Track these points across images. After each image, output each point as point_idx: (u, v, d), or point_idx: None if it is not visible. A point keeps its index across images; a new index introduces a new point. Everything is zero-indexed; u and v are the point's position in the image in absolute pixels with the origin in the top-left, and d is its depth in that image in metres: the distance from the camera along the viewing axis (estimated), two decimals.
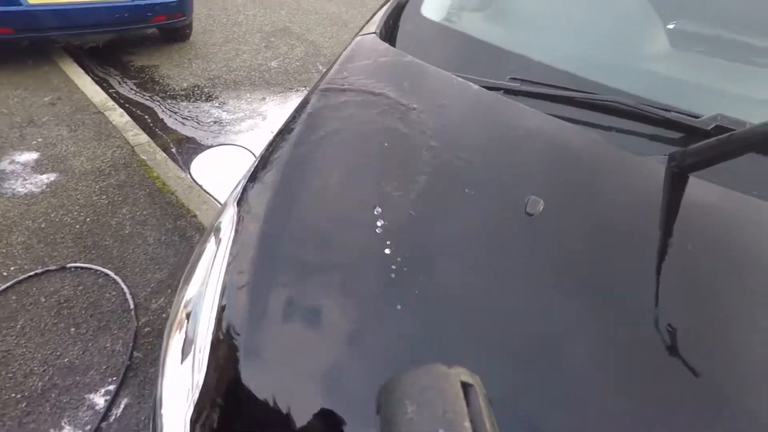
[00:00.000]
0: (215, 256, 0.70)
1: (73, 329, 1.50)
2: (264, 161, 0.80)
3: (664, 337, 0.50)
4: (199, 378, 0.56)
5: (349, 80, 0.86)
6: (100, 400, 1.32)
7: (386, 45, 0.91)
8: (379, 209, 0.66)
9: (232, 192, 0.82)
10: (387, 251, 0.60)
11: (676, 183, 0.59)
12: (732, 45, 0.86)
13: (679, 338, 0.50)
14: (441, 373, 0.27)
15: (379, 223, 0.64)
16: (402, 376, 0.27)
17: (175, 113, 2.94)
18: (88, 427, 1.25)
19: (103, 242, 1.82)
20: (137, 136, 2.48)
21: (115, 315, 1.56)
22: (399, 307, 0.55)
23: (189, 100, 3.09)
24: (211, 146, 2.65)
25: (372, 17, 1.05)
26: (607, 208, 0.61)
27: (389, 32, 0.95)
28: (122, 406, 1.31)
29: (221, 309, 0.61)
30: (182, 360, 0.63)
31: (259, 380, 0.53)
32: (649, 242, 0.57)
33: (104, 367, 1.40)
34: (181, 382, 0.59)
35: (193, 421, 0.53)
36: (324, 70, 0.96)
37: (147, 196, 2.08)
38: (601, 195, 0.62)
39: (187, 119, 2.88)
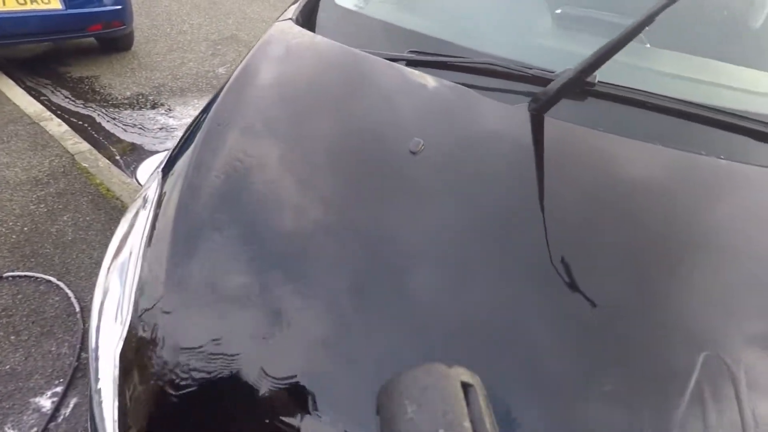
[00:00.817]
0: (141, 220, 0.75)
1: (13, 337, 1.44)
2: (189, 132, 0.87)
3: (548, 256, 0.60)
4: (127, 318, 0.62)
5: (267, 59, 0.94)
6: (46, 403, 1.28)
7: (300, 28, 0.99)
8: (293, 170, 0.74)
9: (161, 163, 0.87)
10: (297, 211, 0.69)
11: (535, 122, 0.73)
12: (603, 24, 1.02)
13: (559, 257, 0.60)
14: (441, 373, 0.27)
15: (288, 186, 0.72)
16: (402, 376, 0.27)
17: (119, 121, 2.87)
18: (35, 429, 1.22)
19: (44, 250, 1.76)
20: (77, 145, 2.41)
21: (60, 320, 1.52)
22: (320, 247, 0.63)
23: (133, 108, 3.02)
24: (158, 151, 2.61)
25: (290, 6, 1.13)
26: (482, 141, 0.74)
27: (305, 18, 1.03)
28: (71, 405, 1.28)
29: (144, 266, 0.67)
30: (116, 318, 0.67)
31: (172, 326, 0.60)
32: (516, 167, 0.70)
33: (50, 370, 1.36)
34: (114, 335, 0.64)
35: (122, 355, 0.59)
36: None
37: (90, 203, 2.03)
38: (477, 133, 0.75)
39: (131, 126, 2.82)
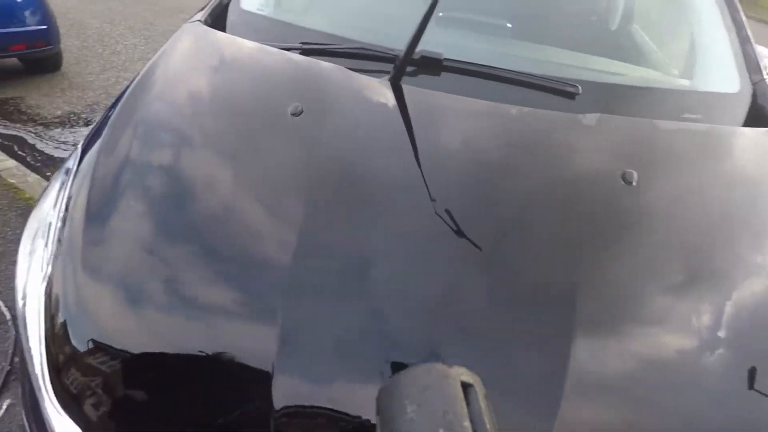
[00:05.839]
0: (59, 192, 0.84)
1: None
2: (106, 113, 0.97)
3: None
4: (50, 258, 0.71)
5: (178, 53, 1.06)
6: None
7: (207, 28, 1.10)
8: (207, 149, 0.86)
9: (84, 138, 0.97)
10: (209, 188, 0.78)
11: (396, 89, 0.90)
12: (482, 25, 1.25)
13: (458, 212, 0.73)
14: (441, 373, 0.27)
15: (203, 165, 0.84)
16: (402, 376, 0.27)
17: (50, 139, 2.78)
18: None
19: None
20: (3, 162, 2.32)
21: None
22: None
23: (65, 127, 2.94)
24: None
25: (200, 11, 1.23)
26: (356, 103, 0.91)
27: (213, 20, 1.14)
28: (4, 407, 1.25)
29: (63, 224, 0.76)
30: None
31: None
32: (386, 126, 0.86)
33: None
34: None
35: (47, 293, 0.68)
36: None
37: (19, 216, 1.97)
38: (353, 99, 0.92)
39: (64, 144, 2.75)
